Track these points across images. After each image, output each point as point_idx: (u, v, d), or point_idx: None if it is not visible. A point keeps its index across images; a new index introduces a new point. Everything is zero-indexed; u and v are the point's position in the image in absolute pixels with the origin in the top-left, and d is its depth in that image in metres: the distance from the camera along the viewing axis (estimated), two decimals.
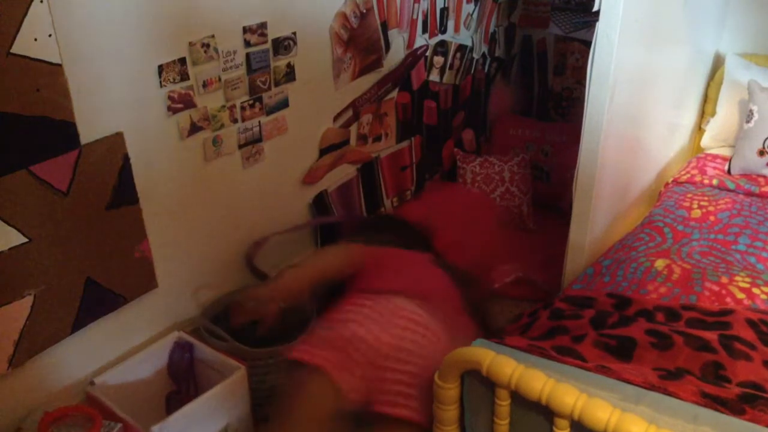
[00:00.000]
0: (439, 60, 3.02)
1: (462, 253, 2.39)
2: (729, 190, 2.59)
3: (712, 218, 2.38)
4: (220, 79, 2.07)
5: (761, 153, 2.64)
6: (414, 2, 2.76)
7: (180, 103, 1.98)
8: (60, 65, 1.65)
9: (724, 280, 1.97)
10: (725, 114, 2.90)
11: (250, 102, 2.20)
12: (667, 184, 2.74)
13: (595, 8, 1.94)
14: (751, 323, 1.77)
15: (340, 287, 2.14)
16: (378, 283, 2.00)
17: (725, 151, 2.87)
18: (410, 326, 1.87)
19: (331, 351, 1.77)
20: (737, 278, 1.98)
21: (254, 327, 2.08)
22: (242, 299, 1.99)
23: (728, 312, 1.83)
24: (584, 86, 2.04)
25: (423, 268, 2.14)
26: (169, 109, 1.96)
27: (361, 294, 1.97)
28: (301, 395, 1.75)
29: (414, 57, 2.87)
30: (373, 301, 1.92)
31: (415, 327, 1.87)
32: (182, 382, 2.06)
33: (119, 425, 1.75)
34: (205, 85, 2.03)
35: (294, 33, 2.26)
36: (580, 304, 1.95)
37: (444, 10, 2.95)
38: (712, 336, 1.72)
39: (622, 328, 1.76)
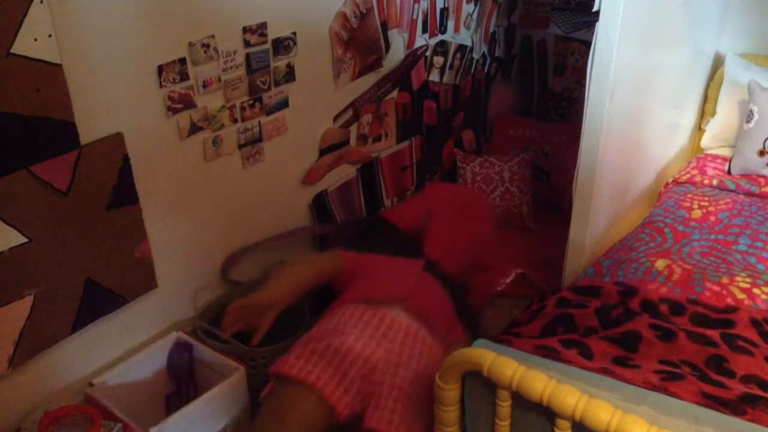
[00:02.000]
0: (439, 60, 3.02)
1: (454, 259, 2.36)
2: (729, 191, 2.59)
3: (712, 218, 2.38)
4: (220, 79, 2.07)
5: (761, 153, 2.64)
6: (414, 2, 2.76)
7: (180, 103, 1.98)
8: (60, 65, 1.65)
9: (725, 280, 1.97)
10: (725, 114, 2.90)
11: (250, 102, 2.19)
12: (667, 184, 2.74)
13: (595, 8, 1.94)
14: (755, 323, 1.78)
15: (330, 291, 2.11)
16: (372, 292, 1.96)
17: (725, 152, 2.87)
18: (407, 341, 1.84)
19: (325, 367, 1.72)
20: (738, 278, 1.98)
21: (248, 334, 2.05)
22: (236, 307, 1.88)
23: (733, 310, 1.84)
24: (584, 86, 2.04)
25: (416, 278, 2.10)
26: (168, 109, 1.95)
27: (354, 304, 1.92)
28: (292, 414, 1.68)
29: (414, 57, 2.87)
30: (370, 313, 1.88)
31: (412, 342, 1.85)
32: (182, 382, 2.06)
33: (119, 425, 1.75)
34: (205, 85, 2.03)
35: (294, 33, 2.26)
36: (587, 293, 1.96)
37: (444, 10, 2.95)
38: (713, 333, 1.72)
39: (627, 323, 1.77)
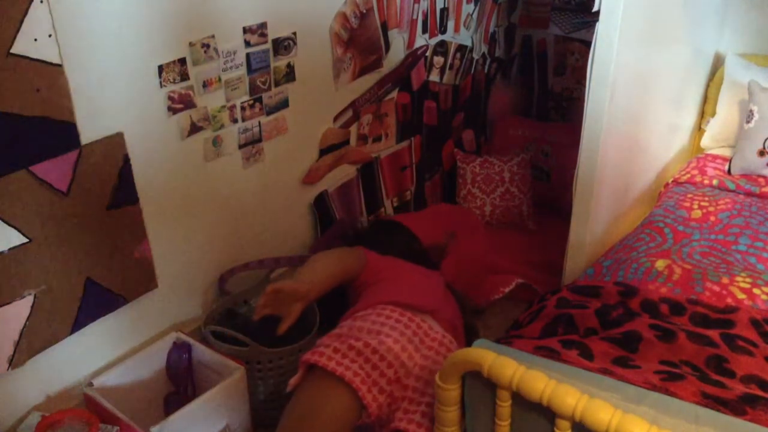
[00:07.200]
0: (439, 60, 3.02)
1: (462, 280, 2.41)
2: (729, 191, 2.59)
3: (712, 218, 2.38)
4: (220, 79, 2.07)
5: (761, 153, 2.64)
6: (414, 2, 2.76)
7: (180, 103, 1.98)
8: (60, 65, 1.65)
9: (725, 280, 1.97)
10: (725, 114, 2.90)
11: (250, 102, 2.19)
12: (667, 184, 2.74)
13: (595, 8, 1.94)
14: (755, 323, 1.78)
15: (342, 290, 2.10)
16: (408, 298, 1.95)
17: (725, 152, 2.87)
18: (441, 350, 1.84)
19: (362, 364, 1.71)
20: (738, 279, 1.98)
21: (273, 322, 1.95)
22: (271, 291, 1.83)
23: (733, 310, 1.84)
24: (584, 86, 2.04)
25: (443, 290, 2.12)
26: (169, 109, 1.95)
27: (390, 306, 1.91)
28: (325, 408, 1.67)
29: (414, 57, 2.87)
30: (407, 318, 1.87)
31: (446, 353, 1.84)
32: (180, 383, 2.06)
33: (116, 429, 1.74)
34: (205, 85, 2.03)
35: (294, 33, 2.26)
36: (587, 293, 1.95)
37: (444, 10, 2.95)
38: (713, 333, 1.72)
39: (627, 323, 1.77)
